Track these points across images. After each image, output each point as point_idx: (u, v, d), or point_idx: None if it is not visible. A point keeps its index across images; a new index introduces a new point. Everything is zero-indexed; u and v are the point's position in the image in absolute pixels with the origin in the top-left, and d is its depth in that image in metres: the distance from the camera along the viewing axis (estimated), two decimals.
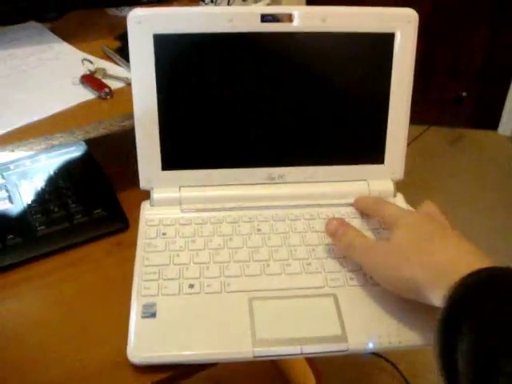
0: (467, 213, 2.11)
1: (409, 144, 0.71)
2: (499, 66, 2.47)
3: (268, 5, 0.99)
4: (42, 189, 0.73)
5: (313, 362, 1.30)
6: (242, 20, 0.64)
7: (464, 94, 2.53)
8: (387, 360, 1.52)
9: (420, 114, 2.36)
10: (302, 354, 0.55)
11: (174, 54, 0.65)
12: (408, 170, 0.72)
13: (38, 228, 0.68)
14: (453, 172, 2.33)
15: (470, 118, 2.62)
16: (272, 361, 1.31)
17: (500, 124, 2.61)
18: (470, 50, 2.46)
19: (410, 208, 0.72)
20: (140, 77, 0.65)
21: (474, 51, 2.46)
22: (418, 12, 0.67)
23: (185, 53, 0.65)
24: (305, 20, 0.65)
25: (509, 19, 2.35)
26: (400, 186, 0.73)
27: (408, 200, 0.72)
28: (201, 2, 0.99)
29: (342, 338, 0.55)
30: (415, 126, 2.33)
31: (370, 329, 0.57)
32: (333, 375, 1.51)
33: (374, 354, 1.52)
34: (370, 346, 0.56)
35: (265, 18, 0.64)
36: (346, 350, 0.55)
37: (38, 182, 0.74)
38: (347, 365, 1.54)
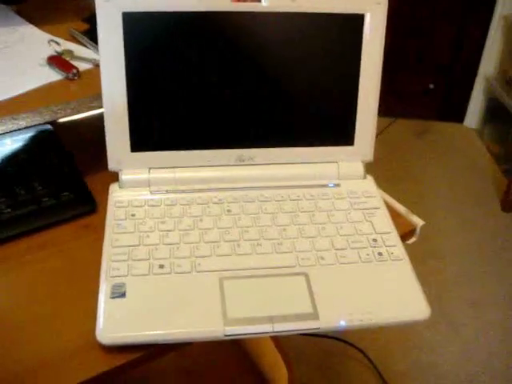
0: (434, 202, 2.14)
1: (376, 136, 0.71)
2: (466, 60, 2.51)
3: None
4: (8, 171, 0.71)
5: (283, 350, 1.30)
6: None
7: (431, 86, 2.56)
8: (357, 348, 1.53)
9: (387, 106, 2.39)
10: (273, 331, 0.54)
11: (144, 32, 0.64)
12: (375, 162, 0.73)
13: (4, 211, 0.67)
14: (420, 163, 2.36)
15: (437, 111, 2.66)
16: (242, 350, 1.31)
17: (466, 117, 2.65)
18: (438, 43, 2.49)
19: (381, 191, 0.72)
20: (108, 56, 0.64)
21: (441, 44, 2.50)
22: None
23: (154, 31, 0.64)
24: (274, 0, 0.65)
25: (476, 13, 2.39)
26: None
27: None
28: None
29: (314, 315, 0.56)
30: (383, 118, 2.34)
31: (341, 307, 0.57)
32: (303, 363, 1.52)
33: (343, 341, 1.53)
34: (342, 323, 0.56)
35: None
36: (318, 328, 0.55)
37: (3, 165, 0.72)
38: (317, 353, 1.55)
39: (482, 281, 1.82)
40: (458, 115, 2.65)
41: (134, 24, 0.63)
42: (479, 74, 2.52)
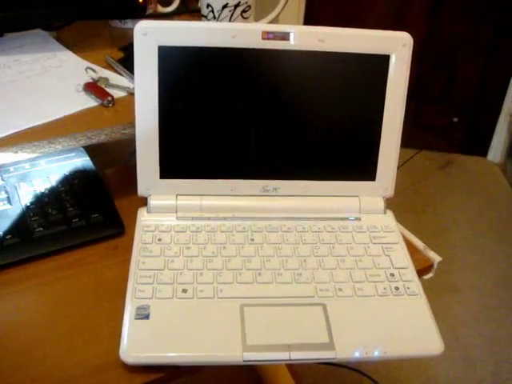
0: (455, 236, 2.14)
1: (399, 167, 0.73)
2: (490, 94, 2.52)
3: (269, 23, 1.02)
4: (41, 192, 0.74)
5: (298, 378, 1.31)
6: (245, 36, 0.67)
7: (455, 119, 2.57)
8: (371, 379, 1.53)
9: (411, 138, 2.41)
10: (290, 360, 0.56)
11: (177, 65, 0.67)
12: (398, 192, 0.75)
13: (36, 229, 0.70)
14: (442, 196, 2.36)
15: (461, 144, 2.66)
16: (257, 376, 1.32)
17: (489, 151, 2.65)
18: (463, 77, 2.51)
19: (400, 226, 0.74)
20: (143, 86, 0.67)
21: (466, 79, 2.51)
22: (413, 38, 0.69)
23: (187, 65, 0.67)
24: (303, 39, 0.67)
25: (502, 48, 2.40)
26: (389, 208, 0.75)
27: (397, 221, 0.74)
28: (203, 18, 1.01)
29: (330, 346, 0.57)
30: (406, 150, 2.36)
31: (357, 338, 0.58)
32: None
33: (358, 371, 1.53)
34: (357, 354, 0.57)
35: (266, 36, 0.67)
36: (333, 358, 0.57)
37: (36, 185, 0.75)
38: (332, 382, 1.55)
39: (501, 317, 1.81)
40: (482, 149, 2.65)
41: (168, 57, 0.66)
42: (503, 108, 2.53)
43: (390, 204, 0.75)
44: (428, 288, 0.66)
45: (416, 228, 0.78)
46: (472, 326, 1.77)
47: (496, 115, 2.55)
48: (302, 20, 2.38)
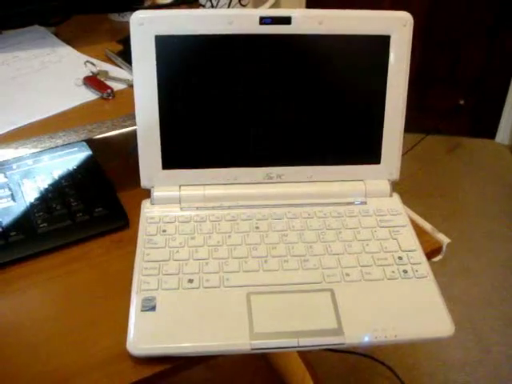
0: (465, 219, 2.12)
1: (407, 151, 0.73)
2: (497, 75, 2.49)
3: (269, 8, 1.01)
4: (44, 187, 0.74)
5: (311, 367, 1.30)
6: (242, 22, 0.66)
7: (462, 102, 2.54)
8: (385, 365, 1.53)
9: (418, 122, 2.39)
10: (298, 346, 0.56)
11: (175, 54, 0.66)
12: (406, 177, 0.74)
13: (40, 225, 0.69)
14: (450, 179, 2.34)
15: (468, 127, 2.64)
16: (270, 366, 1.32)
17: (498, 133, 2.62)
18: (469, 58, 2.48)
19: (407, 209, 0.73)
20: (142, 77, 0.66)
21: (472, 60, 2.48)
22: (416, 20, 0.68)
23: (185, 53, 0.66)
24: (302, 22, 0.67)
25: (507, 28, 2.37)
26: (398, 192, 0.74)
27: (406, 205, 0.74)
28: (201, 7, 1.01)
29: (339, 331, 0.57)
30: (413, 134, 2.34)
31: (366, 323, 0.58)
32: (331, 380, 1.52)
33: (372, 358, 1.52)
34: (366, 339, 0.57)
35: (264, 21, 0.66)
36: (343, 344, 0.56)
37: (40, 181, 0.75)
38: (346, 369, 1.54)
39: None
40: (490, 131, 2.63)
41: (166, 46, 0.66)
42: (511, 89, 2.50)
43: (399, 189, 0.74)
44: (439, 271, 0.65)
45: (425, 212, 0.77)
46: (485, 308, 1.76)
47: (503, 96, 2.53)
48: (303, 5, 2.35)
